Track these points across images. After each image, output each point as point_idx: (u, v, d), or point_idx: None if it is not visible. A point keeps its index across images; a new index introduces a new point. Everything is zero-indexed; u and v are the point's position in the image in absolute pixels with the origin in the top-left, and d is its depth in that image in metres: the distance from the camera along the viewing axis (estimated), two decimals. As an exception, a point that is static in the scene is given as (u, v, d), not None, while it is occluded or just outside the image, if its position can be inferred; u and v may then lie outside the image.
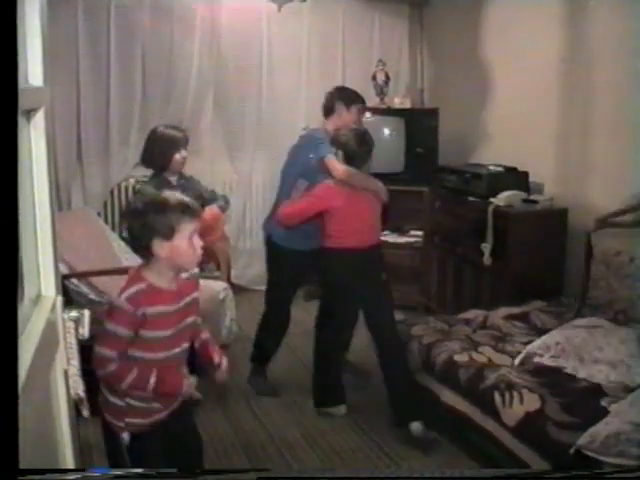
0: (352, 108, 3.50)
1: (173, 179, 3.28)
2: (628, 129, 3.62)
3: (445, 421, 3.10)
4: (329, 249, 3.26)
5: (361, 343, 3.77)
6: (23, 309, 1.23)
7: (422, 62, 5.75)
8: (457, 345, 3.12)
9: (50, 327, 1.35)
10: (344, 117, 3.48)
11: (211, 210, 3.33)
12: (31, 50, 1.34)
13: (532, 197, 4.08)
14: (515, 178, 4.22)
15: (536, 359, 2.90)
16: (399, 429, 3.17)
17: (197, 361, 2.37)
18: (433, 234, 4.73)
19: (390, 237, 4.87)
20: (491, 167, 4.34)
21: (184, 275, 2.10)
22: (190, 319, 2.12)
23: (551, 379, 2.73)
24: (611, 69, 3.73)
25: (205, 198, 3.36)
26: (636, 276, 3.29)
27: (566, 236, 4.02)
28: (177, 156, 3.23)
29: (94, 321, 1.55)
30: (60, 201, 4.66)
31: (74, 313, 1.50)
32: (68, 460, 1.47)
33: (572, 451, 2.28)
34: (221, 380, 2.26)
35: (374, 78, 5.21)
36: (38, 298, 1.41)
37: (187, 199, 2.05)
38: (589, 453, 2.24)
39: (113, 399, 2.04)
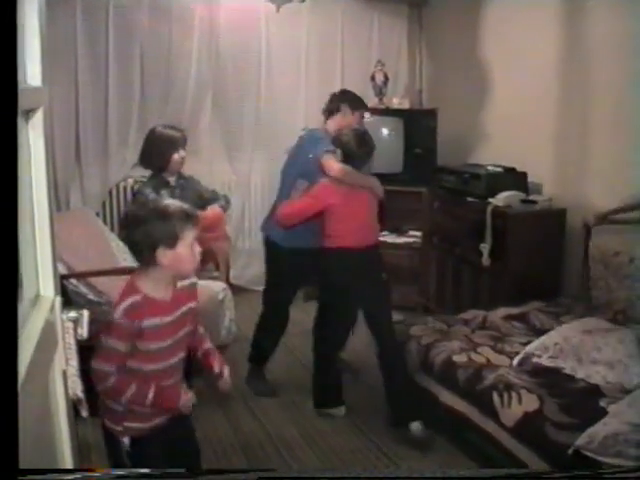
0: (356, 112, 3.55)
1: (172, 179, 3.27)
2: (627, 129, 3.62)
3: (444, 421, 3.10)
4: (329, 249, 3.26)
5: (352, 342, 3.77)
6: (22, 309, 1.23)
7: (421, 62, 5.76)
8: (456, 345, 3.13)
9: (49, 327, 1.34)
10: (347, 118, 3.50)
11: (213, 210, 3.33)
12: (29, 50, 1.34)
13: (531, 197, 4.08)
14: (514, 178, 4.22)
15: (534, 359, 2.90)
16: (398, 429, 3.17)
17: (195, 361, 2.37)
18: (432, 234, 4.74)
19: (389, 237, 4.87)
20: (490, 167, 4.35)
21: (181, 284, 2.10)
22: (186, 329, 2.12)
23: (549, 379, 2.74)
24: (610, 69, 3.74)
25: (205, 198, 3.35)
26: (635, 276, 3.30)
27: (565, 236, 4.03)
28: (175, 156, 3.22)
29: (93, 321, 1.55)
30: (59, 201, 4.65)
31: (73, 313, 1.50)
32: (67, 460, 1.47)
33: (570, 451, 2.29)
34: (225, 389, 2.25)
35: (373, 78, 5.21)
36: (37, 298, 1.41)
37: (186, 206, 2.05)
38: (587, 453, 2.25)
39: (112, 404, 2.04)
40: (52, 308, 1.41)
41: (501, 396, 2.68)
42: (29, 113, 1.35)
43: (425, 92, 5.70)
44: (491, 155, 4.61)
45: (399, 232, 4.99)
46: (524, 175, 4.23)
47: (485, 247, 3.95)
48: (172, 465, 2.09)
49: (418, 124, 4.99)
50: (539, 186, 4.26)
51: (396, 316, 3.44)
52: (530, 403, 2.58)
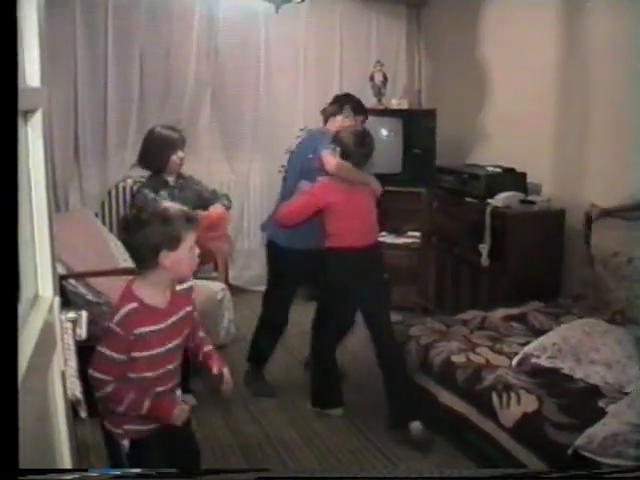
0: (357, 117, 3.60)
1: (171, 179, 3.27)
2: (626, 130, 3.62)
3: (443, 422, 3.10)
4: (330, 248, 3.26)
5: (352, 342, 3.78)
6: (21, 310, 1.22)
7: (420, 63, 5.76)
8: (455, 346, 3.13)
9: (47, 328, 1.34)
10: (349, 120, 3.54)
11: (216, 209, 3.32)
12: (28, 50, 1.34)
13: (530, 198, 4.09)
14: (513, 179, 4.23)
15: (533, 360, 2.90)
16: (397, 430, 3.17)
17: (193, 361, 2.37)
18: (431, 235, 4.74)
19: (388, 238, 4.87)
20: (489, 168, 4.35)
21: (179, 287, 2.10)
22: (184, 333, 2.12)
23: (548, 380, 2.74)
24: (609, 70, 3.74)
25: (205, 197, 3.35)
26: (634, 277, 3.30)
27: (563, 237, 4.03)
28: (174, 157, 3.22)
29: (92, 322, 1.55)
30: (58, 202, 4.65)
31: (72, 314, 1.50)
32: (65, 461, 1.47)
33: (570, 452, 2.28)
34: (227, 392, 2.24)
35: (372, 79, 5.21)
36: (36, 299, 1.41)
37: (186, 208, 2.05)
38: (587, 454, 2.25)
39: (110, 407, 2.04)
40: (51, 309, 1.41)
41: (500, 396, 2.68)
42: (28, 114, 1.35)
43: (424, 92, 5.71)
44: (490, 155, 4.61)
45: (398, 232, 4.99)
46: (523, 176, 4.24)
47: (484, 247, 3.96)
48: (172, 467, 2.10)
49: (417, 124, 4.99)
50: (538, 187, 4.26)
51: (395, 316, 3.44)
52: (529, 403, 2.58)
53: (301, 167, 3.48)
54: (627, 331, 3.02)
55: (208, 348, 2.25)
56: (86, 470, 1.19)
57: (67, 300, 3.01)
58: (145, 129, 3.51)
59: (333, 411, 3.40)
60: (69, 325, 1.48)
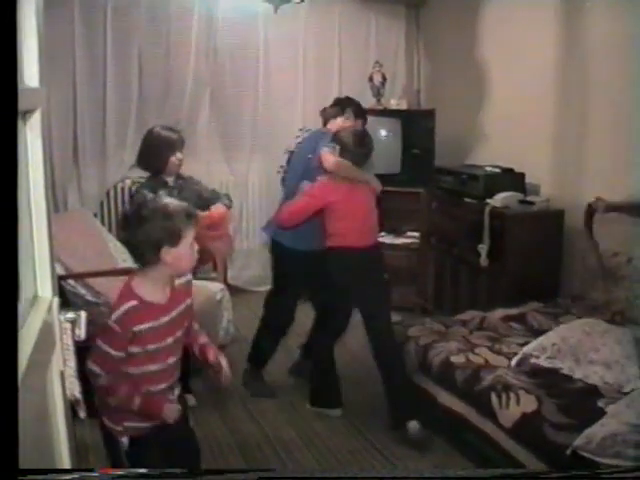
0: (358, 120, 3.62)
1: (170, 179, 3.27)
2: (625, 130, 3.63)
3: (442, 422, 3.10)
4: (330, 248, 3.26)
5: (350, 342, 3.77)
6: (20, 310, 1.22)
7: (419, 63, 5.76)
8: (454, 346, 3.12)
9: (46, 328, 1.34)
10: (349, 122, 3.56)
11: (217, 208, 3.32)
12: (27, 51, 1.34)
13: (528, 198, 4.09)
14: (511, 179, 4.23)
15: (532, 360, 2.90)
16: (396, 430, 3.17)
17: (193, 360, 2.37)
18: (430, 235, 4.74)
19: (387, 238, 4.87)
20: (488, 168, 4.35)
21: (178, 282, 2.10)
22: (184, 327, 2.12)
23: (548, 380, 2.74)
24: (608, 70, 3.74)
25: (205, 197, 3.35)
26: (633, 277, 3.30)
27: (562, 237, 4.03)
28: (173, 158, 3.21)
29: (91, 322, 1.55)
30: (56, 202, 4.64)
31: (71, 314, 1.50)
32: (64, 461, 1.47)
33: (569, 452, 2.28)
34: (226, 383, 2.24)
35: (371, 79, 5.21)
36: (34, 299, 1.40)
37: (185, 204, 2.05)
38: (585, 454, 2.24)
39: (112, 404, 2.04)
40: (50, 309, 1.41)
41: (499, 397, 2.67)
42: (27, 114, 1.35)
43: (423, 93, 5.71)
44: (489, 156, 4.61)
45: (397, 233, 4.99)
46: (522, 176, 4.24)
47: (483, 248, 3.96)
48: (171, 465, 2.10)
49: (416, 125, 4.99)
50: (537, 187, 4.26)
51: (394, 317, 3.43)
52: (528, 404, 2.58)
53: (302, 167, 3.49)
54: (627, 331, 3.02)
55: (204, 340, 2.25)
56: (86, 470, 1.19)
57: (66, 300, 3.01)
58: (144, 129, 3.51)
59: (331, 411, 3.40)
60: (68, 325, 1.48)
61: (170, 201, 2.06)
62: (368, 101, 5.00)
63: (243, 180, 5.33)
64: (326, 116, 3.64)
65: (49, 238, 1.45)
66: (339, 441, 3.17)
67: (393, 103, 5.27)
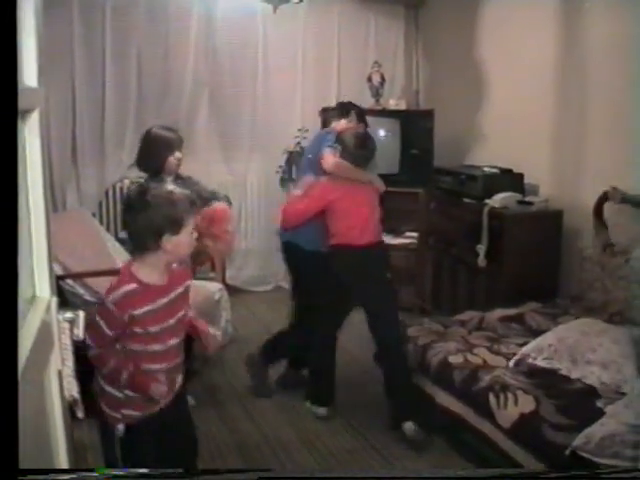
0: (359, 124, 3.66)
1: (169, 179, 3.26)
2: (623, 131, 3.62)
3: (440, 422, 3.10)
4: (332, 246, 3.27)
5: (349, 343, 3.77)
6: (18, 310, 1.22)
7: (418, 63, 5.76)
8: (452, 346, 3.13)
9: (45, 328, 1.34)
10: (352, 124, 3.60)
11: (220, 205, 3.32)
12: (26, 51, 1.34)
13: (527, 199, 4.09)
14: (510, 180, 4.23)
15: (530, 360, 2.90)
16: (396, 430, 3.17)
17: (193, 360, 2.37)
18: (428, 235, 4.74)
19: (385, 238, 4.83)
20: (486, 169, 4.35)
21: (175, 264, 2.11)
22: (183, 310, 2.12)
23: (546, 380, 2.74)
24: (607, 70, 3.74)
25: (205, 198, 3.34)
26: (631, 278, 3.30)
27: (561, 238, 4.03)
28: (171, 158, 3.21)
29: (89, 322, 1.55)
30: (55, 202, 4.64)
31: (69, 314, 1.50)
32: (62, 461, 1.47)
33: (567, 452, 2.28)
34: (214, 347, 2.29)
35: (370, 79, 5.21)
36: (33, 299, 1.40)
37: (189, 192, 2.06)
38: (584, 454, 2.24)
39: (109, 389, 2.04)
40: (48, 309, 1.41)
41: (497, 397, 2.67)
42: (25, 114, 1.35)
43: (422, 93, 5.71)
44: (488, 156, 4.62)
45: (396, 233, 4.99)
46: (521, 176, 4.24)
47: (481, 248, 3.96)
48: (167, 453, 2.10)
49: (415, 125, 4.99)
50: (536, 187, 4.26)
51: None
52: (526, 404, 2.58)
53: (307, 167, 3.52)
54: (625, 331, 3.02)
55: (190, 315, 2.25)
56: (85, 470, 1.19)
57: (64, 300, 3.00)
58: (143, 129, 3.50)
59: (318, 409, 3.39)
60: (66, 325, 1.48)
61: (174, 188, 2.05)
62: (367, 101, 5.01)
63: (242, 180, 5.33)
64: (329, 117, 3.66)
65: (47, 238, 1.45)
66: (338, 441, 3.17)
67: (392, 103, 5.27)
